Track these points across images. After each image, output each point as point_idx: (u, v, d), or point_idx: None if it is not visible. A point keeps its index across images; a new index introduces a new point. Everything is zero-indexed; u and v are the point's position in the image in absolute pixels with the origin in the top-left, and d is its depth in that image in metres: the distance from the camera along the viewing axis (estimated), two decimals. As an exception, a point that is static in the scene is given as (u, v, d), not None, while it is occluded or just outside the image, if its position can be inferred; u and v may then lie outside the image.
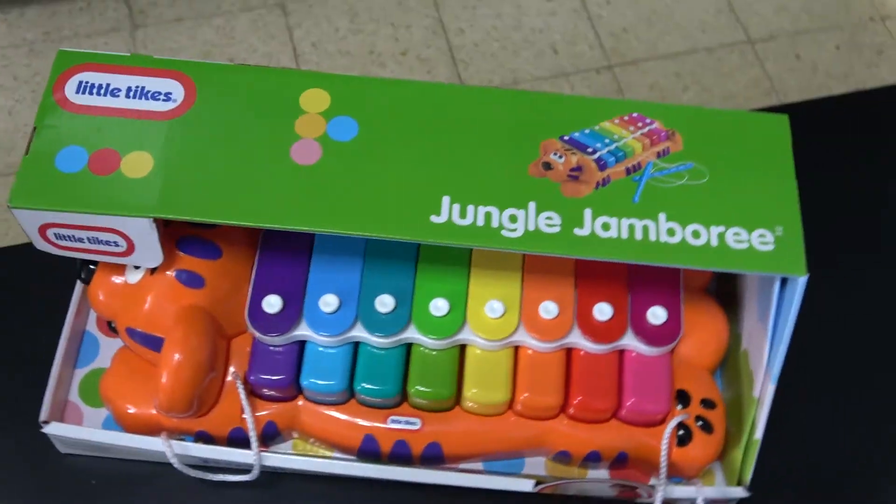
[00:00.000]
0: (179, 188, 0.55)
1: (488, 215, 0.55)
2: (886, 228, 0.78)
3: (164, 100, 0.59)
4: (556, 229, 0.55)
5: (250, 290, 0.61)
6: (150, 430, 0.62)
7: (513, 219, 0.55)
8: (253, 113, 0.58)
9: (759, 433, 0.60)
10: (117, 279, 0.61)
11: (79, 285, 0.65)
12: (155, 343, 0.60)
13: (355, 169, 0.57)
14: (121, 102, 0.58)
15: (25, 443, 0.65)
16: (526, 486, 0.61)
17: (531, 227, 0.55)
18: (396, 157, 0.57)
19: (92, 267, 0.62)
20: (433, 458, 0.62)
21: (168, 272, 0.59)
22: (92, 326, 0.67)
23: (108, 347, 0.66)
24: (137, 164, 0.56)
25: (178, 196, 0.55)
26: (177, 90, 0.59)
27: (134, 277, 0.60)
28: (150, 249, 0.57)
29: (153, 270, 0.60)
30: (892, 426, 0.69)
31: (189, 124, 0.58)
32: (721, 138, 0.59)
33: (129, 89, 0.59)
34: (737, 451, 0.62)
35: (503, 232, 0.55)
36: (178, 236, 0.60)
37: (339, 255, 0.62)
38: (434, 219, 0.55)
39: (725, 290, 0.67)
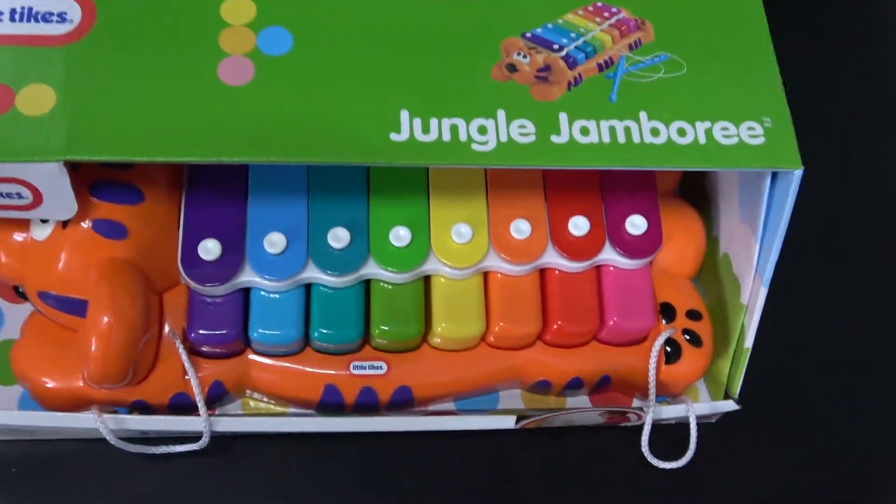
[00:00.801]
0: (90, 124, 0.47)
1: (454, 128, 0.49)
2: (880, 113, 0.75)
3: (57, 21, 0.49)
4: (531, 138, 0.49)
5: (181, 235, 0.53)
6: (76, 404, 0.54)
7: (482, 130, 0.49)
8: (167, 29, 0.50)
9: (748, 342, 0.56)
10: (20, 236, 0.52)
11: (-30, 248, 0.56)
12: (74, 306, 0.51)
13: (295, 87, 0.49)
14: (5, 28, 0.48)
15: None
16: (507, 423, 0.56)
17: (503, 138, 0.49)
18: (341, 69, 0.50)
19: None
20: (403, 403, 0.56)
21: (83, 223, 0.51)
22: (-9, 293, 0.58)
23: (15, 316, 0.57)
24: (36, 100, 0.47)
25: (90, 133, 0.46)
26: (72, 9, 0.50)
27: (41, 233, 0.52)
28: (61, 199, 0.48)
29: (65, 223, 0.51)
30: (891, 332, 0.67)
31: (92, 48, 0.49)
32: (693, 25, 0.53)
33: (13, 12, 0.49)
34: (722, 362, 0.58)
35: (473, 146, 0.49)
36: (91, 181, 0.51)
37: (279, 188, 0.54)
38: (394, 137, 0.48)
39: (691, 191, 0.63)
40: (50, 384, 0.53)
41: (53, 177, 0.47)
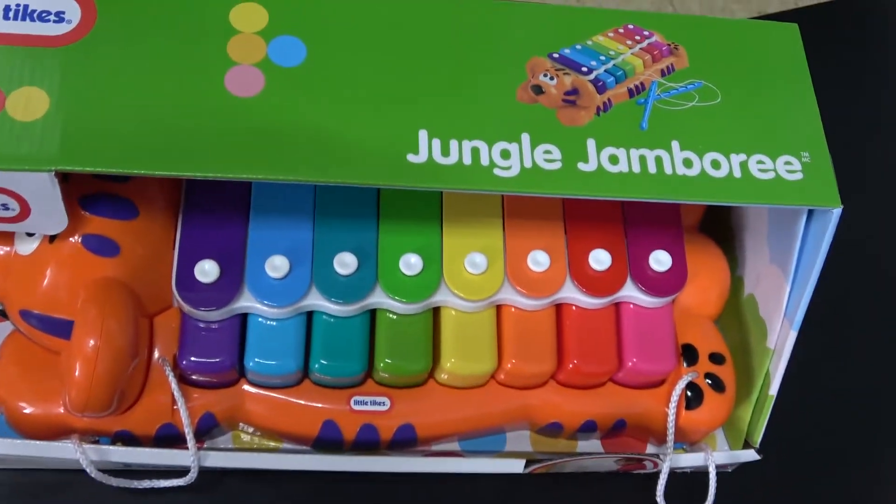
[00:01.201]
0: (86, 132, 0.43)
1: (475, 151, 0.46)
2: None
3: (55, 21, 0.46)
4: (557, 165, 0.46)
5: (176, 255, 0.49)
6: (56, 432, 0.50)
7: (505, 154, 0.46)
8: (172, 34, 0.46)
9: (773, 389, 0.53)
10: (3, 250, 0.49)
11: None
12: (59, 327, 0.48)
13: (307, 100, 0.46)
14: (-2, 25, 0.45)
15: None
16: (516, 467, 0.52)
17: (528, 164, 0.46)
18: (357, 84, 0.46)
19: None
20: (405, 442, 0.53)
21: (72, 239, 0.47)
22: (-33, 310, 0.54)
23: (-7, 335, 0.53)
24: (28, 104, 0.43)
25: (85, 142, 0.43)
26: (71, 8, 0.46)
27: (26, 247, 0.48)
28: (50, 212, 0.45)
29: (52, 238, 0.47)
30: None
31: (91, 51, 0.45)
32: (729, 52, 0.50)
33: (7, 9, 0.45)
34: (742, 408, 0.55)
35: (495, 171, 0.46)
36: (82, 193, 0.48)
37: (283, 208, 0.51)
38: (412, 158, 0.45)
39: (712, 226, 0.60)
40: (28, 410, 0.49)
41: (43, 188, 0.43)
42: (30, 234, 0.48)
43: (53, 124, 0.43)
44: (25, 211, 0.45)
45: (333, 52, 0.47)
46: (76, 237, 0.47)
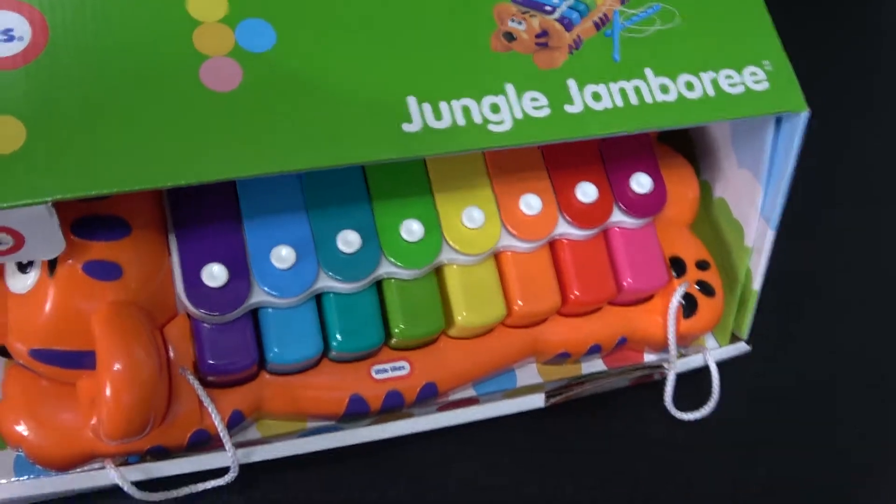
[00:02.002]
0: (72, 156, 0.41)
1: (466, 110, 0.46)
2: (882, 56, 0.75)
3: (4, 40, 0.43)
4: (546, 111, 0.47)
5: (177, 264, 0.48)
6: (82, 458, 0.48)
7: (495, 108, 0.46)
8: (132, 36, 0.44)
9: (756, 284, 0.56)
10: (-4, 289, 0.46)
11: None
12: (75, 360, 0.46)
13: (290, 84, 0.44)
14: (-58, 54, 0.42)
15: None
16: (537, 402, 0.54)
17: (518, 115, 0.46)
18: (335, 60, 0.45)
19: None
20: (427, 399, 0.54)
21: (73, 267, 0.45)
22: (-44, 353, 0.51)
23: (-13, 374, 0.51)
24: (3, 134, 0.41)
25: (74, 166, 0.41)
26: (20, 25, 0.43)
27: (21, 284, 0.46)
28: (46, 238, 0.42)
29: (52, 271, 0.45)
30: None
31: (53, 68, 0.43)
32: (679, -29, 0.52)
33: (-52, 34, 0.43)
34: (727, 306, 0.58)
35: (490, 126, 0.46)
36: (72, 219, 0.46)
37: (272, 200, 0.50)
38: (406, 127, 0.45)
39: (669, 135, 0.61)
40: (48, 443, 0.48)
41: (39, 219, 0.41)
42: (23, 272, 0.46)
43: (35, 152, 0.41)
44: (20, 242, 0.42)
45: (303, 29, 0.46)
46: (77, 265, 0.45)
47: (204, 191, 0.49)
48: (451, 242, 0.51)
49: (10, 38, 0.43)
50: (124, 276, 0.46)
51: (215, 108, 0.43)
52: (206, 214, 0.49)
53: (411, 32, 0.47)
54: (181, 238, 0.48)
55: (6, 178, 0.40)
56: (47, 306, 0.45)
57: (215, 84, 0.44)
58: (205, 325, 0.49)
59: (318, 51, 0.46)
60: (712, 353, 0.56)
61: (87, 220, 0.46)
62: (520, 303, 0.53)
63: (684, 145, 0.60)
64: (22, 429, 0.48)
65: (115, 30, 0.44)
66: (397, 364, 0.52)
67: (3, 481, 0.48)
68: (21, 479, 0.49)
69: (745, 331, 0.57)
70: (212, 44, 0.45)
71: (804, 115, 0.50)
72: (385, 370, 0.52)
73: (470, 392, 0.56)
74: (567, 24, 0.49)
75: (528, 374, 0.58)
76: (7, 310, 0.46)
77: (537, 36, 0.48)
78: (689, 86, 0.49)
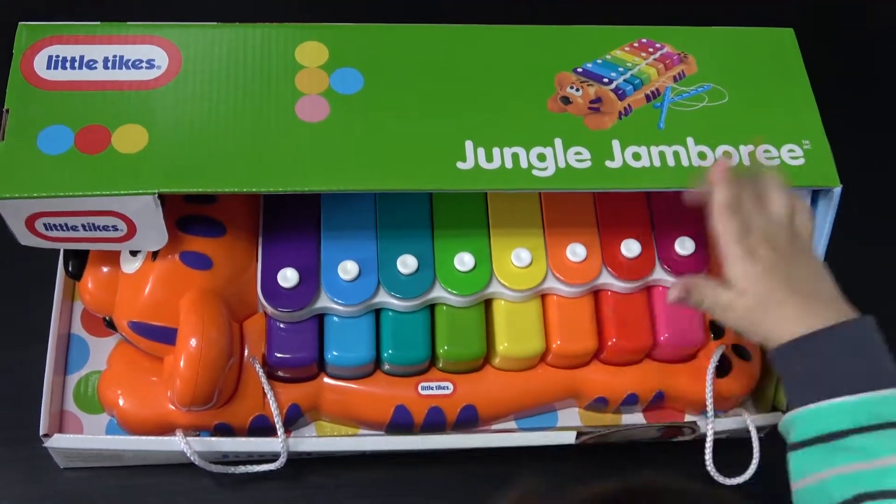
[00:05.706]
0: (181, 160, 0.51)
1: (515, 156, 0.53)
2: None
3: (146, 67, 0.54)
4: (587, 164, 0.53)
5: (260, 265, 0.56)
6: (162, 429, 0.57)
7: (541, 157, 0.53)
8: (248, 73, 0.54)
9: (795, 355, 0.59)
10: (110, 269, 0.56)
11: (59, 284, 0.60)
12: (164, 335, 0.55)
13: (368, 122, 0.53)
14: (100, 74, 0.53)
15: (23, 460, 0.59)
16: (568, 438, 0.58)
17: (561, 164, 0.53)
18: (409, 105, 0.54)
19: (77, 260, 0.57)
20: (468, 421, 0.59)
21: (172, 256, 0.54)
22: (77, 328, 0.61)
23: (101, 348, 0.60)
24: (131, 138, 0.51)
25: (182, 168, 0.50)
26: (159, 56, 0.54)
27: (131, 266, 0.55)
28: (153, 229, 0.52)
29: (154, 256, 0.54)
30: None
31: (180, 91, 0.53)
32: (732, 56, 0.58)
33: (106, 60, 0.53)
34: (768, 379, 0.61)
35: (534, 172, 0.52)
36: (177, 216, 0.55)
37: (349, 220, 0.58)
38: (461, 165, 0.52)
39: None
40: (136, 411, 0.56)
41: (147, 209, 0.50)
42: (133, 255, 0.55)
43: (154, 154, 0.51)
44: (132, 230, 0.52)
45: (387, 79, 0.54)
46: (175, 255, 0.54)
47: (292, 206, 0.57)
48: (499, 277, 0.57)
49: (152, 66, 0.54)
50: (214, 269, 0.55)
51: (303, 135, 0.52)
52: (291, 228, 0.57)
53: (479, 89, 0.55)
54: (266, 244, 0.57)
55: (126, 173, 0.50)
56: (147, 286, 0.55)
57: (306, 115, 0.53)
58: (277, 323, 0.56)
59: (396, 97, 0.54)
60: (757, 417, 0.59)
61: (190, 217, 0.55)
62: (558, 342, 0.58)
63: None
64: (116, 397, 0.57)
65: (233, 67, 0.54)
66: (442, 384, 0.58)
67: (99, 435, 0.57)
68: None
69: (783, 401, 0.60)
70: (309, 84, 0.54)
71: (837, 190, 0.54)
72: (430, 388, 0.58)
73: (511, 425, 0.61)
74: (621, 94, 0.56)
75: (569, 416, 0.62)
76: (118, 288, 0.56)
77: (591, 102, 0.55)
78: (727, 155, 0.54)
